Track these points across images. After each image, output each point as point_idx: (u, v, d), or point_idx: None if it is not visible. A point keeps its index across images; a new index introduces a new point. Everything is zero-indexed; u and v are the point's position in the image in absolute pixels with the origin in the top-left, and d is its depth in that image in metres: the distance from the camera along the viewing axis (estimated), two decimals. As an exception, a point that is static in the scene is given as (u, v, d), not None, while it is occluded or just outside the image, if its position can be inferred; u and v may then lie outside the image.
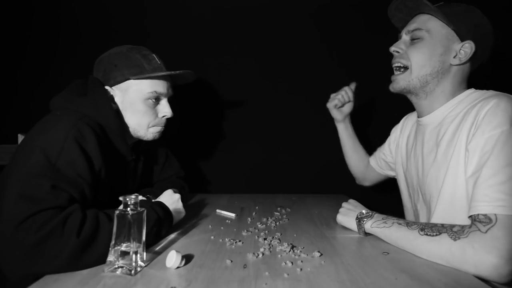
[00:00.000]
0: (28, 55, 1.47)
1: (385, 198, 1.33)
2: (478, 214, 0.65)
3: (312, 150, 1.55)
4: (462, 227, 0.66)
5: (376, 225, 0.81)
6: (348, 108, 1.23)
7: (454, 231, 0.66)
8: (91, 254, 0.64)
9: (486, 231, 0.62)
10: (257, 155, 1.55)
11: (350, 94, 1.21)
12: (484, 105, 0.73)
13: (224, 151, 1.55)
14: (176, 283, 0.59)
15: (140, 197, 0.97)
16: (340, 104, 1.21)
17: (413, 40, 0.87)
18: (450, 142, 0.80)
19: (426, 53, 0.84)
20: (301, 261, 0.70)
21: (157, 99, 0.93)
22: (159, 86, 0.92)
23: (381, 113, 1.53)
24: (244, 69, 1.53)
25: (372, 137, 1.48)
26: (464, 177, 0.74)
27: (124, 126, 0.93)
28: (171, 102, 0.98)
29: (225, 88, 1.53)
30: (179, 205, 0.93)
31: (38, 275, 0.62)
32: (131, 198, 0.64)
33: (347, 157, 1.30)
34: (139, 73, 0.89)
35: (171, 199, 0.91)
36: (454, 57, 0.83)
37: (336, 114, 1.24)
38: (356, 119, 1.54)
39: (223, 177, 1.55)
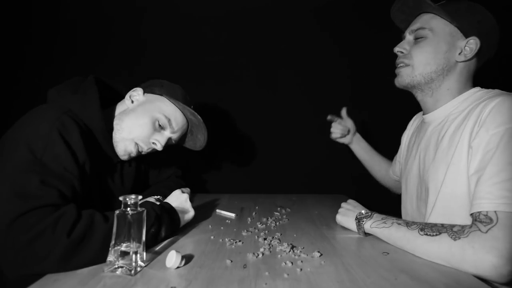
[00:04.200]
0: (29, 56, 1.47)
1: (385, 198, 1.33)
2: (479, 214, 0.65)
3: (312, 150, 1.55)
4: (463, 227, 0.66)
5: (376, 225, 0.80)
6: (351, 131, 1.24)
7: (454, 231, 0.66)
8: (82, 255, 0.63)
9: (486, 231, 0.62)
10: (257, 155, 1.55)
11: (343, 127, 1.23)
12: (489, 103, 0.72)
13: (224, 151, 1.55)
14: (176, 283, 0.59)
15: (152, 199, 0.96)
16: (339, 135, 1.24)
17: (417, 39, 0.86)
18: (452, 139, 0.79)
19: (430, 51, 0.84)
20: (301, 261, 0.70)
21: (162, 127, 0.93)
22: (174, 120, 0.95)
23: (387, 112, 1.53)
24: (244, 70, 1.52)
25: (376, 137, 1.48)
26: (466, 175, 0.73)
27: (111, 129, 0.90)
28: (169, 151, 1.03)
29: (225, 88, 1.53)
30: (187, 205, 0.92)
31: (32, 275, 0.60)
32: (131, 198, 0.64)
33: (369, 170, 1.29)
34: (173, 99, 0.95)
35: (178, 199, 0.91)
36: (460, 54, 0.82)
37: (343, 141, 1.26)
38: (361, 120, 1.53)
39: (223, 177, 1.55)
